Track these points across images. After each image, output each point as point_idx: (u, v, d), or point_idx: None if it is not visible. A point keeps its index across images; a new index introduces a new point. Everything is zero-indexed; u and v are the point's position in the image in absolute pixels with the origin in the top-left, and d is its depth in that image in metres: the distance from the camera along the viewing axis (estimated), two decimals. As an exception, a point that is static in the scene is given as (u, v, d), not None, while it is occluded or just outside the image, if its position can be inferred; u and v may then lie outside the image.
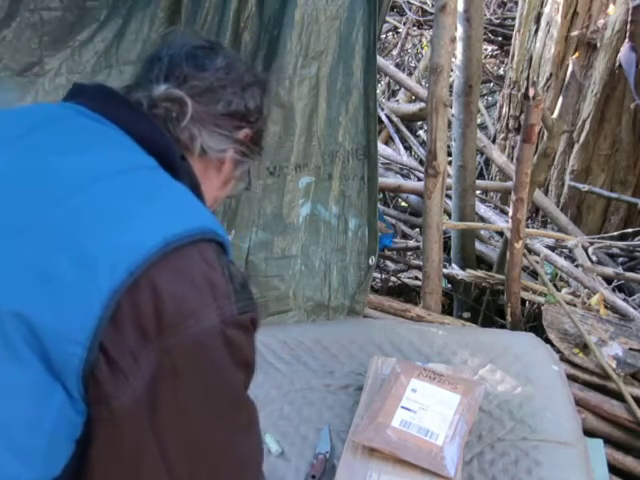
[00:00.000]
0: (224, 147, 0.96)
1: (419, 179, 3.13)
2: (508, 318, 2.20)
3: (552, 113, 2.33)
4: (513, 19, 4.24)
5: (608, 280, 2.45)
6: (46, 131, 0.83)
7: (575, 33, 2.92)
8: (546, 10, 3.06)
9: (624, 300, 2.27)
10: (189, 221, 0.75)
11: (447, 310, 2.58)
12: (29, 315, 0.66)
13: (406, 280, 2.85)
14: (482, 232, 2.83)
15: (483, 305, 2.49)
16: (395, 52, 4.82)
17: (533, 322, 2.35)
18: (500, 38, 4.73)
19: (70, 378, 0.66)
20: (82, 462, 0.71)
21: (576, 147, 3.06)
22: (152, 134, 0.86)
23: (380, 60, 3.31)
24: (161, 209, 0.75)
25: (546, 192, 3.20)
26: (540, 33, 3.12)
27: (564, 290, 2.34)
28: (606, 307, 2.16)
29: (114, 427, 0.69)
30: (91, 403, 0.68)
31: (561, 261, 2.45)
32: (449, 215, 2.72)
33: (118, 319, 0.67)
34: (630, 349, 1.95)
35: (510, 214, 2.08)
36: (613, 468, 1.81)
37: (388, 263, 2.96)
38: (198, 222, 0.76)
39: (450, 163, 2.56)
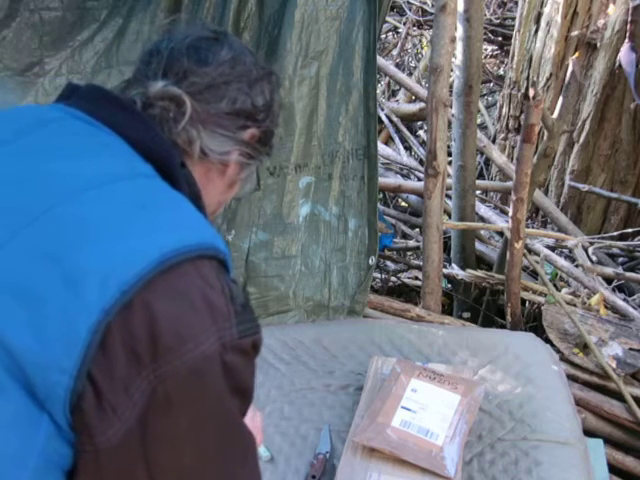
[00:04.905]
0: (227, 149, 0.88)
1: (419, 179, 3.13)
2: (508, 318, 2.20)
3: (552, 113, 2.33)
4: (513, 19, 4.24)
5: (608, 280, 2.45)
6: (34, 136, 0.77)
7: (575, 33, 2.92)
8: (546, 10, 3.06)
9: (624, 300, 2.27)
10: (187, 235, 0.68)
11: (447, 310, 2.58)
12: (8, 340, 0.60)
13: (406, 280, 2.86)
14: (482, 232, 2.83)
15: (483, 305, 2.49)
16: (395, 52, 4.82)
17: (533, 322, 2.35)
18: (500, 38, 4.73)
19: (56, 408, 0.61)
20: None
21: (576, 147, 3.06)
22: (149, 139, 0.79)
23: (380, 60, 3.31)
24: (157, 222, 0.69)
25: (546, 192, 3.20)
26: (540, 33, 3.11)
27: (564, 290, 2.34)
28: (606, 307, 2.16)
29: (97, 462, 0.64)
30: (76, 434, 0.63)
31: (561, 261, 2.45)
32: (449, 215, 2.72)
33: (108, 344, 0.61)
34: (630, 349, 1.95)
35: (510, 214, 2.08)
36: (613, 468, 1.81)
37: (388, 263, 2.96)
38: (197, 237, 0.69)
39: (450, 163, 2.56)
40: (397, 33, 5.07)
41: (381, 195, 3.39)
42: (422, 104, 3.45)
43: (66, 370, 0.60)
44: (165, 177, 0.78)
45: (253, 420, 1.11)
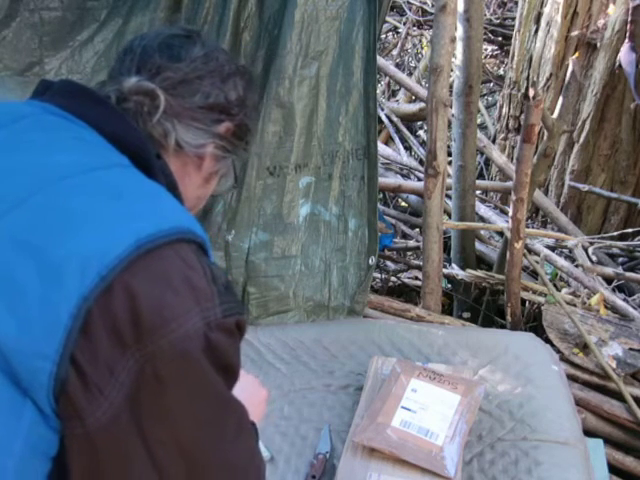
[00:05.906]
0: (202, 142, 0.90)
1: (419, 179, 3.13)
2: (508, 318, 2.20)
3: (552, 113, 2.33)
4: (513, 19, 4.24)
5: (608, 280, 2.45)
6: (8, 131, 0.78)
7: (575, 33, 2.92)
8: (546, 10, 3.06)
9: (624, 300, 2.27)
10: (164, 220, 0.70)
11: (447, 310, 2.58)
12: None
13: (406, 280, 2.85)
14: (482, 232, 2.83)
15: (483, 305, 2.49)
16: (395, 52, 4.82)
17: (533, 322, 2.35)
18: (500, 38, 4.73)
19: (39, 394, 0.62)
20: (63, 479, 0.67)
21: (576, 147, 3.06)
22: (123, 131, 0.80)
23: (380, 60, 3.31)
24: (133, 208, 0.70)
25: (546, 192, 3.20)
26: (540, 33, 3.12)
27: (564, 290, 2.34)
28: (606, 307, 2.16)
29: (90, 443, 0.65)
30: (63, 419, 0.64)
31: (561, 261, 2.45)
32: (449, 215, 2.72)
33: (90, 328, 0.62)
34: (630, 349, 1.95)
35: (510, 214, 2.08)
36: (613, 468, 1.81)
37: (388, 263, 2.96)
38: (174, 221, 0.71)
39: (450, 163, 2.56)
40: (397, 33, 5.07)
41: (381, 195, 3.39)
42: (422, 104, 3.45)
43: (48, 356, 0.61)
44: (141, 168, 0.79)
45: (258, 394, 1.12)
